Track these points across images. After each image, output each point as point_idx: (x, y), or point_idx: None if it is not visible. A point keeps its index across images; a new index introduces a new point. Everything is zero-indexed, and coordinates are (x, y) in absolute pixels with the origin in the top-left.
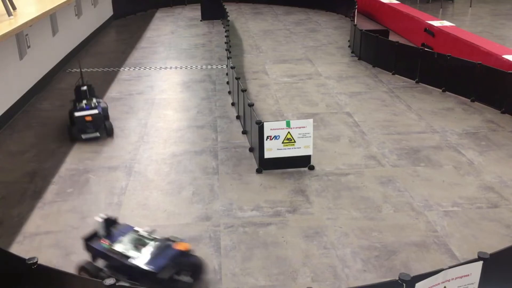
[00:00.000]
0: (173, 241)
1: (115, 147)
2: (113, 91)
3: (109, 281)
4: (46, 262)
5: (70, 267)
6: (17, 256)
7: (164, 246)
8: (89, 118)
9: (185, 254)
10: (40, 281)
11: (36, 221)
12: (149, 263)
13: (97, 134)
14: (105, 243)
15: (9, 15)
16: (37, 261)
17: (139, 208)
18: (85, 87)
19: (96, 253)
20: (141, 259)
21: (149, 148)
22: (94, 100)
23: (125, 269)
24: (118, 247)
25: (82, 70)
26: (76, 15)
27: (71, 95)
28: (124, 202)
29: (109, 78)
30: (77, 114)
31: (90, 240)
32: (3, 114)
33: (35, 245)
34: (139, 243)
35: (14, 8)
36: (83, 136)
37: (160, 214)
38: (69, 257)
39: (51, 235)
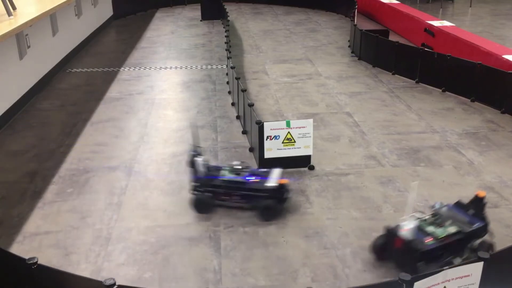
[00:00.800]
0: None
1: (115, 147)
2: (113, 91)
3: (109, 281)
4: (46, 262)
5: (70, 267)
6: (17, 256)
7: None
8: (285, 182)
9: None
10: (40, 281)
11: (36, 221)
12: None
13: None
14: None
15: (9, 15)
16: (37, 261)
17: (139, 208)
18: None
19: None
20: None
21: (149, 148)
22: (236, 163)
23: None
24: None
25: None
26: (76, 15)
27: (71, 95)
28: (124, 202)
29: (109, 78)
30: (270, 184)
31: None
32: (3, 114)
33: (35, 245)
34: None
35: (14, 8)
36: (287, 205)
37: (160, 214)
38: (69, 257)
39: (51, 235)
